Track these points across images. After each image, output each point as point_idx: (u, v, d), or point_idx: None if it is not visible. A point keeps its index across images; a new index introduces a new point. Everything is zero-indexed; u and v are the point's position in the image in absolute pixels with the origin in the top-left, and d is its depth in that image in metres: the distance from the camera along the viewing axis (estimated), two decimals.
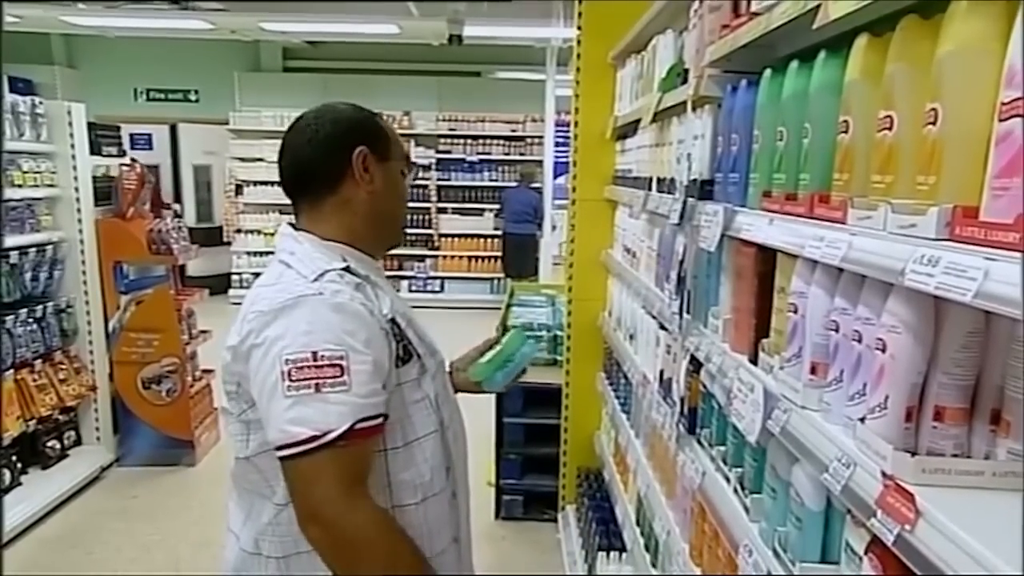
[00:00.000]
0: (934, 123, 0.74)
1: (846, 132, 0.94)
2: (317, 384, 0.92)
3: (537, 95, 7.67)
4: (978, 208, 0.67)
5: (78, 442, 3.82)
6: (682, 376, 1.59)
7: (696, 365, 1.53)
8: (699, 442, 1.53)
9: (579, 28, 2.92)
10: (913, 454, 0.78)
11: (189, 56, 8.72)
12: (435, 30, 6.84)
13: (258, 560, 1.08)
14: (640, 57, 2.36)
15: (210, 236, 8.14)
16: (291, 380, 0.92)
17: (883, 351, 0.81)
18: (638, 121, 2.25)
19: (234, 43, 8.29)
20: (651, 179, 2.07)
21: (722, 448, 1.38)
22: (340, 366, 0.93)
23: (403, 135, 1.31)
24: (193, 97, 9.25)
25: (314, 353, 0.93)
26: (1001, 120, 0.64)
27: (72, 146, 3.63)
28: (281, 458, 0.95)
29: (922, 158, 0.77)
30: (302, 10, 6.65)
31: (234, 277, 8.53)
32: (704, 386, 1.50)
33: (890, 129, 0.84)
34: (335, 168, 1.12)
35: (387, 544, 0.98)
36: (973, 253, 0.64)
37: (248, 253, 8.61)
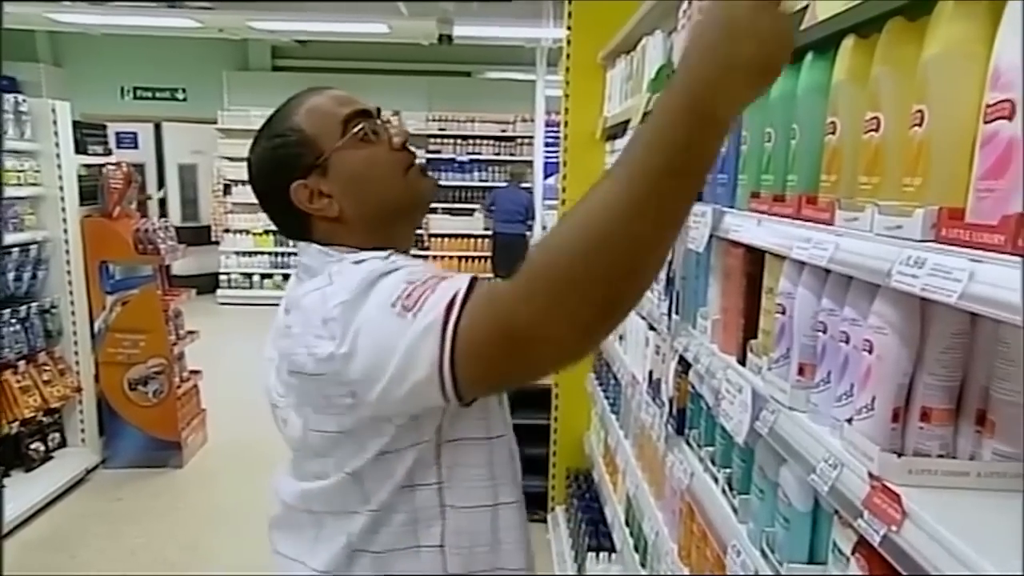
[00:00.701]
0: (920, 125, 0.74)
1: (833, 133, 0.94)
2: (433, 288, 0.81)
3: (527, 95, 7.67)
4: (963, 210, 0.68)
5: (62, 444, 3.78)
6: (671, 377, 1.60)
7: (685, 366, 1.54)
8: (688, 443, 1.53)
9: (568, 28, 2.93)
10: (899, 455, 0.78)
11: (177, 54, 8.66)
12: (425, 30, 6.83)
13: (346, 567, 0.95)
14: (629, 58, 2.36)
15: (197, 235, 8.09)
16: (411, 310, 0.79)
17: (870, 352, 0.82)
18: (628, 122, 2.25)
19: (222, 42, 8.24)
20: None
21: (710, 449, 1.38)
22: (437, 276, 0.84)
23: None
24: (180, 96, 9.18)
25: (409, 282, 0.83)
26: (986, 122, 0.64)
27: (57, 144, 3.59)
28: (454, 355, 0.77)
29: (908, 160, 0.77)
30: (290, 8, 6.61)
31: (222, 277, 8.48)
32: (692, 387, 1.50)
33: (877, 130, 0.84)
34: (292, 216, 0.98)
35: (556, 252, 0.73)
36: (958, 255, 0.64)
37: (236, 253, 8.56)
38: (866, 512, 0.75)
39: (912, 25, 0.80)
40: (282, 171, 0.96)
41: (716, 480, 1.33)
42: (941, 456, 0.79)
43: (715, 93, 0.67)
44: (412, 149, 1.01)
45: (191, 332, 4.23)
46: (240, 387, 4.63)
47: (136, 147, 8.26)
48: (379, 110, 1.00)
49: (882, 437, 0.80)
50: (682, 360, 1.54)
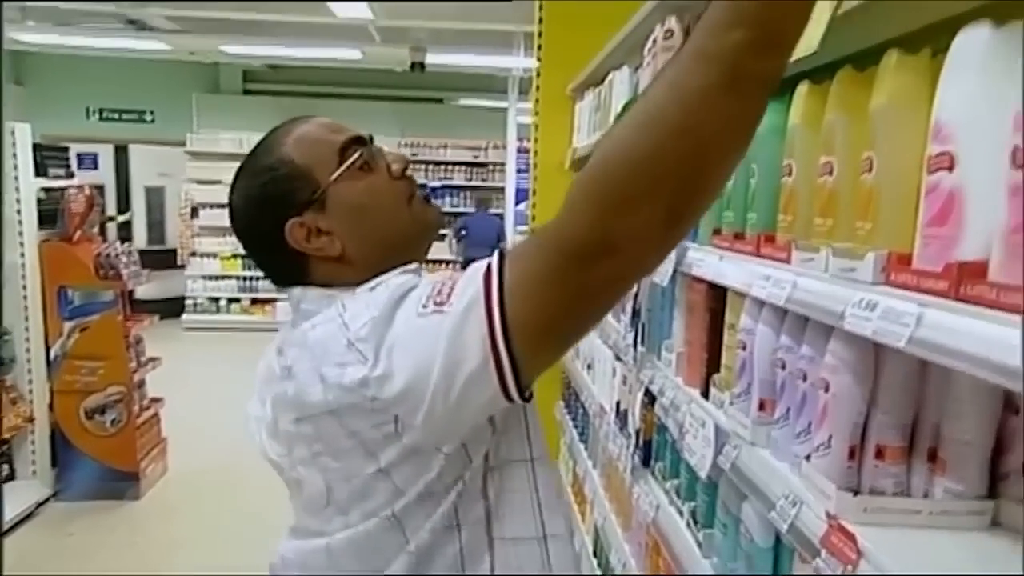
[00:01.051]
0: (870, 171, 0.77)
1: (790, 175, 0.97)
2: (463, 275, 0.74)
3: (499, 122, 7.75)
4: (911, 255, 0.70)
5: (11, 476, 3.61)
6: (637, 408, 1.60)
7: (651, 397, 1.54)
8: (653, 475, 1.54)
9: (539, 60, 2.98)
10: (856, 492, 0.79)
11: (145, 76, 8.56)
12: (398, 57, 6.87)
13: None
14: (597, 91, 2.41)
15: (163, 259, 7.91)
16: (444, 303, 0.71)
17: (826, 391, 0.83)
18: None
19: (193, 64, 8.19)
20: None
21: (676, 481, 1.39)
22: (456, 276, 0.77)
23: None
24: (148, 118, 9.06)
25: (437, 283, 0.76)
26: (929, 172, 0.67)
27: (15, 167, 3.50)
28: (506, 322, 0.69)
29: (859, 204, 0.79)
30: (258, 32, 6.61)
31: (188, 301, 8.31)
32: (658, 419, 1.51)
33: (830, 174, 0.86)
34: (287, 259, 0.87)
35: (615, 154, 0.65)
36: (907, 299, 0.66)
37: (203, 277, 8.41)
38: (823, 551, 0.76)
39: (861, 75, 0.84)
40: (273, 209, 0.86)
41: (681, 513, 1.33)
42: (896, 494, 0.80)
43: None
44: (413, 176, 0.92)
45: (153, 359, 4.11)
46: (203, 415, 4.52)
47: (96, 168, 8.10)
48: (371, 137, 0.91)
49: (839, 475, 0.81)
50: (648, 392, 1.55)
